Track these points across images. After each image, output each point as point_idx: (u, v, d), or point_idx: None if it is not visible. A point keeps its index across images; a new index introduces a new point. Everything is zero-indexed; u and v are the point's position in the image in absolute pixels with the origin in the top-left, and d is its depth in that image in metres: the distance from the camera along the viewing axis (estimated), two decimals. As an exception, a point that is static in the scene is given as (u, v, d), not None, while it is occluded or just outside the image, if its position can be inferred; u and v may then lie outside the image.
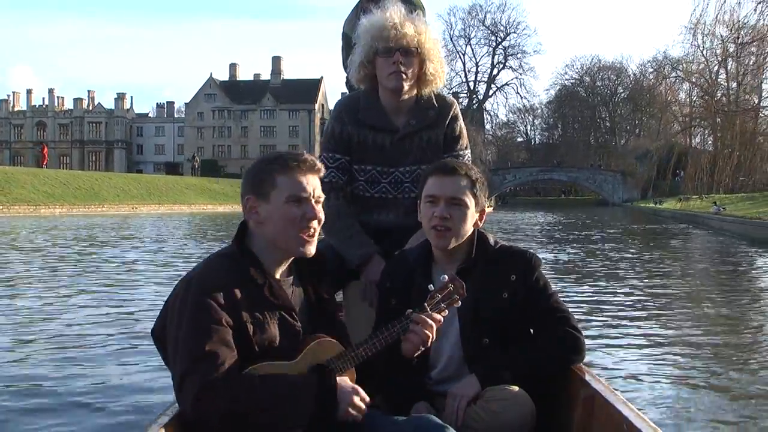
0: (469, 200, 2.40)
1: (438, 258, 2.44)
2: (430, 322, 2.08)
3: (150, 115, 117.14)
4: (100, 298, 9.50)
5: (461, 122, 3.06)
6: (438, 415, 2.21)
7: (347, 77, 3.96)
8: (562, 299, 2.49)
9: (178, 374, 1.88)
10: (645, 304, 9.38)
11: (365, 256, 2.81)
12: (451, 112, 3.00)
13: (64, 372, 5.53)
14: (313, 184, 2.07)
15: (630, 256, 16.63)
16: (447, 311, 2.12)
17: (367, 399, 1.99)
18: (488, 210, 2.46)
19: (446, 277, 2.16)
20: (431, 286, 2.15)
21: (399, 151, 2.94)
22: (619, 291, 10.48)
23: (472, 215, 2.41)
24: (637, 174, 73.19)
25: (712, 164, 27.52)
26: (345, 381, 1.98)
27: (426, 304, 2.09)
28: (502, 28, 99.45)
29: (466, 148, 3.05)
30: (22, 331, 7.24)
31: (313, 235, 2.07)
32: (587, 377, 2.29)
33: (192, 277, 1.99)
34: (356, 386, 1.99)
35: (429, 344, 2.13)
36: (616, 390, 2.23)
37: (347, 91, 4.04)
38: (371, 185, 3.00)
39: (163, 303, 2.03)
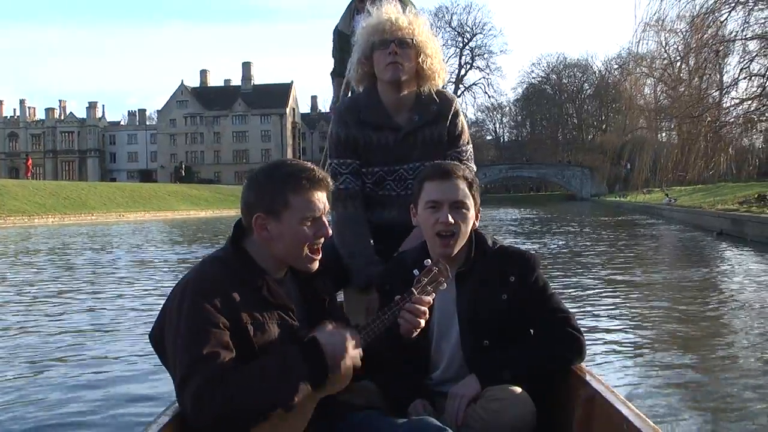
0: (470, 202, 2.39)
1: (434, 257, 2.33)
2: (420, 308, 2.07)
3: (121, 123, 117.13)
4: (102, 298, 9.70)
5: (462, 117, 3.06)
6: (438, 415, 2.23)
7: (333, 69, 4.30)
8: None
9: (178, 378, 1.87)
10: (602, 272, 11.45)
11: (370, 277, 2.81)
12: (453, 108, 3.00)
13: (63, 372, 5.62)
14: (323, 200, 2.05)
15: (589, 242, 18.89)
16: (435, 294, 2.12)
17: (359, 349, 1.97)
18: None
19: (429, 261, 2.16)
20: (416, 271, 2.14)
21: (403, 149, 2.94)
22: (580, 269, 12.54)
23: (472, 217, 2.41)
24: (604, 169, 75.08)
25: (654, 160, 30.47)
26: (325, 330, 1.96)
27: (413, 289, 2.09)
28: (468, 29, 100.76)
29: (468, 143, 3.06)
30: (24, 332, 7.40)
31: (319, 251, 2.07)
32: (587, 377, 2.28)
33: (188, 280, 1.98)
34: (341, 332, 1.96)
35: (423, 325, 2.12)
36: (616, 389, 2.24)
37: (331, 81, 4.30)
38: (377, 185, 3.02)
39: (161, 307, 2.02)
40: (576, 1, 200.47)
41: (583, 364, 2.38)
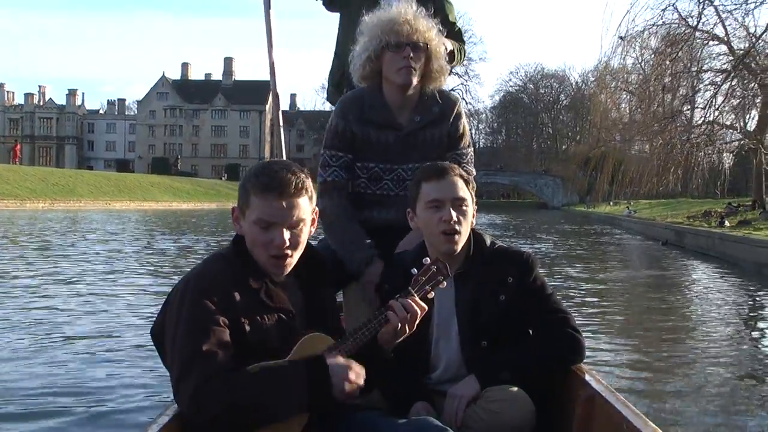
0: (469, 199, 2.39)
1: (434, 257, 2.25)
2: (411, 308, 2.03)
3: (100, 111, 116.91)
4: (102, 294, 9.50)
5: (464, 120, 3.05)
6: (438, 415, 2.23)
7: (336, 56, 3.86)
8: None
9: (175, 374, 1.88)
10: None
11: (363, 260, 2.78)
12: (455, 110, 2.99)
13: (62, 371, 5.47)
14: (289, 208, 1.96)
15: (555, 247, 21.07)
16: (433, 293, 2.08)
17: (363, 372, 1.95)
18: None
19: (428, 259, 2.12)
20: (414, 270, 2.10)
21: (403, 148, 2.92)
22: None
23: (472, 214, 2.41)
24: (576, 179, 76.77)
25: (612, 174, 33.21)
26: (336, 358, 1.93)
27: (410, 288, 2.06)
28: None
29: (469, 146, 3.04)
30: (24, 327, 7.16)
31: (284, 259, 1.99)
32: (587, 377, 2.28)
33: (189, 278, 1.98)
34: (349, 360, 1.94)
35: (406, 332, 2.06)
36: (616, 389, 2.23)
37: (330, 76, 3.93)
38: (373, 182, 2.98)
39: (162, 303, 2.02)
40: (556, 13, 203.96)
41: (582, 364, 2.38)
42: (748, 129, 25.62)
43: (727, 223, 19.91)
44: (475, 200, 2.50)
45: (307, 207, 2.01)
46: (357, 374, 1.93)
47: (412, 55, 2.79)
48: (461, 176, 2.42)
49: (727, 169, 27.03)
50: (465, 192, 2.40)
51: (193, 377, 1.82)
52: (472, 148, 3.07)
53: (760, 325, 9.16)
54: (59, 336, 6.79)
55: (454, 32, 3.72)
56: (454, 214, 2.34)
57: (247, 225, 1.99)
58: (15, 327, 7.16)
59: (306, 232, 2.03)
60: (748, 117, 26.48)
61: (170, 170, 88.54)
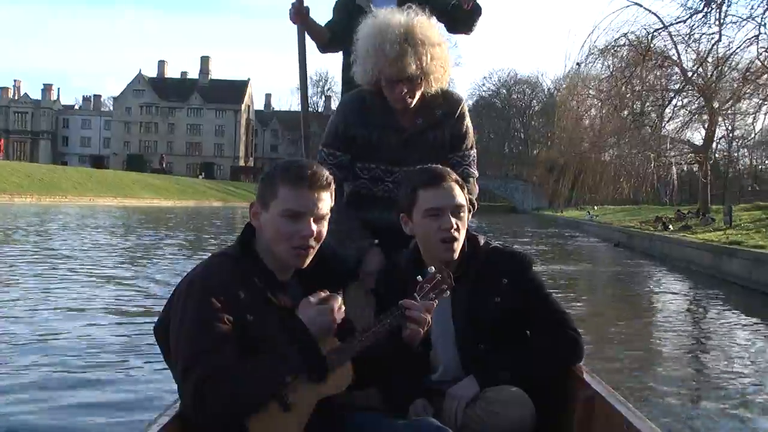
0: (465, 204, 2.38)
1: (429, 262, 2.32)
2: (423, 308, 2.06)
3: (75, 107, 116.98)
4: (102, 292, 9.55)
5: (468, 120, 2.98)
6: (438, 415, 2.23)
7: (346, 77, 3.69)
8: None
9: (179, 370, 1.89)
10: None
11: (362, 249, 2.81)
12: (459, 110, 2.93)
13: (61, 370, 5.43)
14: (317, 200, 2.01)
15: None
16: (437, 301, 2.11)
17: (337, 304, 2.01)
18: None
19: (433, 268, 2.14)
20: (419, 277, 2.12)
21: (405, 150, 2.87)
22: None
23: (467, 219, 2.39)
24: (546, 184, 78.48)
25: (573, 182, 35.54)
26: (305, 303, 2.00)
27: (416, 294, 2.09)
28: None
29: (471, 147, 2.99)
30: (21, 324, 7.16)
31: (307, 250, 2.02)
32: (587, 377, 2.29)
33: (194, 275, 1.99)
34: (321, 305, 2.00)
35: (426, 329, 2.09)
36: (616, 390, 2.25)
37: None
38: (374, 183, 2.97)
39: (166, 301, 2.03)
40: (530, 19, 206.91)
41: (582, 365, 2.38)
42: (696, 143, 28.10)
43: (670, 227, 22.32)
44: (475, 203, 2.65)
45: (330, 202, 2.06)
46: (334, 306, 2.01)
47: (405, 90, 2.72)
48: (456, 181, 2.39)
49: (675, 180, 29.59)
50: (462, 198, 2.37)
51: (197, 374, 1.83)
52: (475, 150, 3.03)
53: (683, 306, 11.41)
54: (61, 332, 6.86)
55: (449, 8, 3.55)
56: (453, 221, 2.33)
57: (271, 217, 2.00)
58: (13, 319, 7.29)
59: (326, 227, 2.06)
60: (695, 132, 29.16)
61: (145, 167, 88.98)
